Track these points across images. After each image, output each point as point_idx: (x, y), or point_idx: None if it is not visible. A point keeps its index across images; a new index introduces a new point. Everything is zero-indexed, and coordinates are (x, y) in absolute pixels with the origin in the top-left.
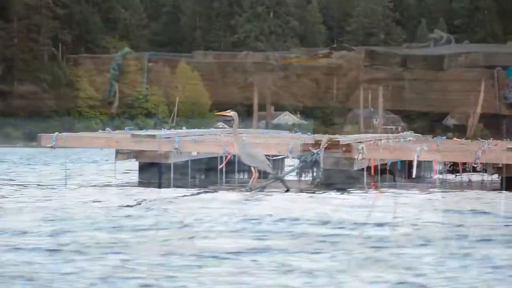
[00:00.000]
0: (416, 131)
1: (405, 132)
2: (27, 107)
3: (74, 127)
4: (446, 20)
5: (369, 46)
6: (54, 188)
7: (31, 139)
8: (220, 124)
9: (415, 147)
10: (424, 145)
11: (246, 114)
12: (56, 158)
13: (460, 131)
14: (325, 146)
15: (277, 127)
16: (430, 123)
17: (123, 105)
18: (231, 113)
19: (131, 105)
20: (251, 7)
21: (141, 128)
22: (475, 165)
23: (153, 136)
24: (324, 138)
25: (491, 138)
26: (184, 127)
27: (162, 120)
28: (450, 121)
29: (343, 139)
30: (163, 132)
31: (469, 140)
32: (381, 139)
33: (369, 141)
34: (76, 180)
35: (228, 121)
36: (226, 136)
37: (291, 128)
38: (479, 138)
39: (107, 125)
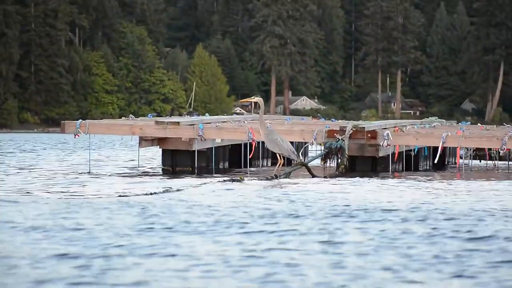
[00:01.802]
0: (434, 116)
1: (429, 117)
2: (44, 92)
3: (91, 112)
4: (465, 3)
5: (388, 30)
6: (78, 177)
7: (48, 125)
8: (238, 109)
9: (441, 133)
10: (450, 131)
11: (263, 99)
12: (75, 144)
13: (478, 114)
14: (350, 133)
15: (295, 112)
16: (449, 107)
17: (140, 90)
18: (256, 99)
19: (148, 90)
20: None
21: (159, 113)
22: (501, 151)
23: (177, 123)
24: (349, 125)
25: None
26: (197, 113)
27: (179, 105)
28: (468, 105)
29: (368, 125)
30: (187, 119)
31: (494, 126)
32: (406, 125)
33: (394, 127)
34: (103, 170)
35: (246, 106)
36: (250, 123)
37: (309, 113)
38: (504, 123)
39: (124, 110)
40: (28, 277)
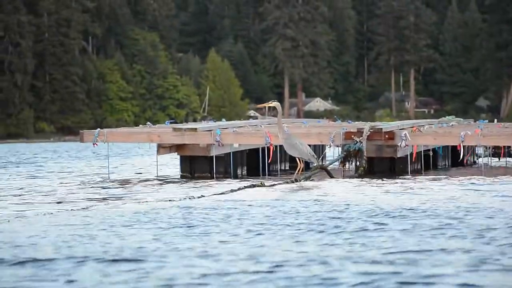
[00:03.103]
0: (449, 113)
1: (446, 116)
2: (59, 101)
3: (106, 120)
4: (477, 0)
5: (399, 29)
6: (98, 184)
7: (64, 133)
8: (252, 112)
9: (459, 132)
10: (468, 130)
11: (277, 101)
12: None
13: (493, 111)
14: (367, 134)
15: (308, 114)
16: (463, 105)
17: (154, 96)
18: (274, 103)
19: (162, 96)
20: None
21: (175, 120)
22: None
23: (194, 129)
24: (366, 126)
25: None
26: (211, 118)
27: (193, 110)
28: (483, 102)
29: (385, 126)
30: (204, 125)
31: None
32: (423, 125)
33: (412, 127)
34: (120, 175)
35: (260, 110)
36: (268, 127)
37: (323, 114)
38: None
39: (139, 117)
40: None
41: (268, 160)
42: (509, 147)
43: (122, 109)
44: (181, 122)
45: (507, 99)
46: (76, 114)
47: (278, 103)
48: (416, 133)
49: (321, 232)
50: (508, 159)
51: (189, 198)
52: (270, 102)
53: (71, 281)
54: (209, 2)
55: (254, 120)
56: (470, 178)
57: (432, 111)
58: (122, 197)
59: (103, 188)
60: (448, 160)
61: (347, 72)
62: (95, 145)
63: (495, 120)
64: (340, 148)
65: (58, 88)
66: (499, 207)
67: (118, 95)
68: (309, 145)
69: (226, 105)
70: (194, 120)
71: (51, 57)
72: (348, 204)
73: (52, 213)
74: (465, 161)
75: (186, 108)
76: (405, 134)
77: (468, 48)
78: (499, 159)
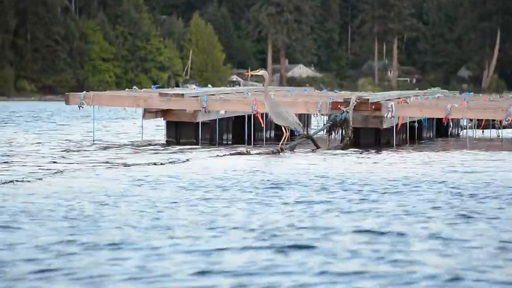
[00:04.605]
0: (431, 84)
1: (431, 88)
2: (41, 60)
3: (88, 80)
4: None
5: None
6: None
7: (45, 92)
8: (234, 77)
9: (445, 105)
10: (454, 103)
11: (260, 67)
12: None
13: (475, 82)
14: (354, 105)
15: (291, 80)
16: (445, 75)
17: (137, 58)
18: (261, 72)
19: (144, 58)
20: None
21: (156, 83)
22: (506, 122)
23: (181, 95)
24: (353, 97)
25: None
26: (194, 82)
27: (176, 73)
28: (465, 73)
29: (372, 97)
30: (191, 91)
31: (498, 96)
32: (410, 97)
33: (398, 99)
34: (104, 140)
35: (242, 75)
36: (254, 95)
37: (305, 81)
38: (503, 94)
39: (121, 78)
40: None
41: (255, 128)
42: (493, 120)
43: (104, 70)
44: (163, 85)
45: (488, 70)
46: (57, 74)
47: (265, 72)
48: (402, 105)
49: (310, 202)
50: (492, 131)
51: (174, 163)
52: (258, 70)
53: (38, 246)
54: None
55: (241, 87)
56: (458, 150)
57: (414, 81)
58: (106, 162)
59: (87, 151)
60: (432, 131)
61: (331, 39)
62: (80, 107)
63: (480, 94)
64: (325, 118)
65: (40, 47)
66: (487, 179)
67: (100, 56)
68: (295, 114)
69: (209, 69)
70: (177, 84)
71: (33, 16)
72: (335, 174)
73: (41, 179)
74: (451, 133)
75: (168, 71)
76: (392, 105)
77: (451, 18)
78: (483, 132)
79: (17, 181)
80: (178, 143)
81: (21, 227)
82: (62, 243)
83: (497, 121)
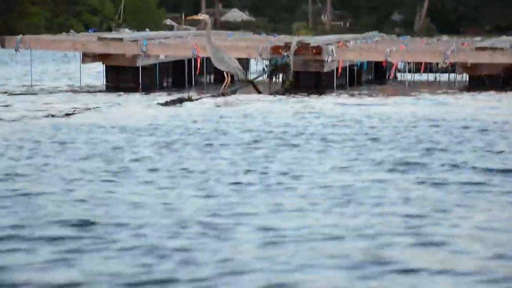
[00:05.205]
0: (364, 27)
1: (370, 32)
2: None
3: (17, 24)
4: None
5: None
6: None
7: None
8: (168, 21)
9: (384, 48)
10: (393, 46)
11: (193, 10)
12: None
13: (406, 26)
14: (295, 49)
15: (226, 24)
16: (377, 19)
17: (66, 1)
18: (203, 16)
19: (74, 1)
20: None
21: (87, 26)
22: (444, 65)
23: (120, 39)
24: (293, 41)
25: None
26: (126, 26)
27: (107, 17)
28: (397, 17)
29: (312, 41)
30: (130, 35)
31: (435, 39)
32: (349, 41)
33: (338, 42)
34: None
35: (176, 18)
36: (195, 39)
37: (240, 25)
38: (435, 38)
39: (51, 22)
40: None
41: (196, 72)
42: (430, 63)
43: (33, 13)
44: (100, 30)
45: (420, 14)
46: None
47: (207, 16)
48: (342, 49)
49: (259, 148)
50: (429, 74)
51: (114, 105)
52: (199, 15)
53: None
54: None
55: (181, 31)
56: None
57: (348, 25)
58: (44, 109)
59: (23, 95)
60: (371, 75)
61: None
62: (17, 51)
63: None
64: (265, 62)
65: None
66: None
67: None
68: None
69: (142, 13)
70: (109, 28)
71: None
72: (278, 119)
73: None
74: (389, 76)
75: (99, 15)
76: (332, 49)
77: None
78: (420, 74)
79: None
80: (118, 88)
81: None
82: None
83: (434, 64)
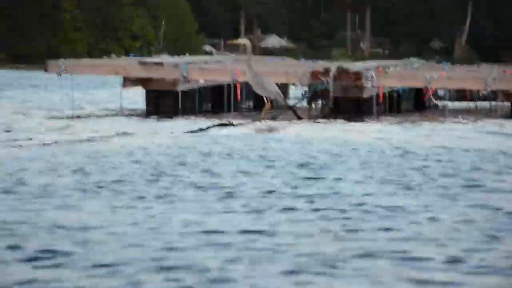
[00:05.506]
0: (405, 54)
1: (410, 58)
2: (10, 27)
3: (60, 49)
4: None
5: None
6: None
7: (16, 61)
8: (207, 47)
9: (425, 75)
10: (434, 73)
11: (232, 36)
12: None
13: (447, 53)
14: (334, 75)
15: (264, 50)
16: (417, 46)
17: (108, 27)
18: (243, 40)
19: (117, 27)
20: None
21: (127, 51)
22: (485, 92)
23: (161, 64)
24: (333, 66)
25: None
26: (163, 45)
27: (148, 42)
28: (436, 44)
29: (352, 67)
30: (171, 59)
31: (476, 66)
32: (389, 67)
33: (377, 68)
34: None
35: (216, 45)
36: (234, 64)
37: (279, 51)
38: (475, 65)
39: (93, 47)
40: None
41: (237, 98)
42: (471, 90)
43: (76, 38)
44: (142, 54)
45: (460, 41)
46: (27, 42)
47: (247, 40)
48: (382, 74)
49: (297, 172)
50: (469, 102)
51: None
52: (239, 39)
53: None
54: None
55: (220, 56)
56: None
57: (387, 52)
58: (84, 130)
59: (67, 120)
60: (411, 102)
61: (304, 9)
62: (59, 75)
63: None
64: (304, 88)
65: (7, 11)
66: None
67: (73, 24)
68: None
69: (182, 38)
70: (149, 54)
71: None
72: (319, 143)
73: (22, 145)
74: (430, 103)
75: (140, 40)
76: (372, 75)
77: None
78: (461, 101)
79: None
80: (158, 113)
81: None
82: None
83: (475, 91)
